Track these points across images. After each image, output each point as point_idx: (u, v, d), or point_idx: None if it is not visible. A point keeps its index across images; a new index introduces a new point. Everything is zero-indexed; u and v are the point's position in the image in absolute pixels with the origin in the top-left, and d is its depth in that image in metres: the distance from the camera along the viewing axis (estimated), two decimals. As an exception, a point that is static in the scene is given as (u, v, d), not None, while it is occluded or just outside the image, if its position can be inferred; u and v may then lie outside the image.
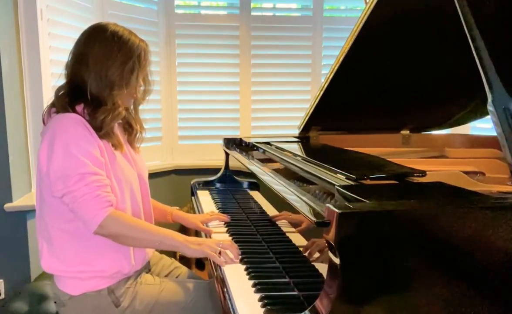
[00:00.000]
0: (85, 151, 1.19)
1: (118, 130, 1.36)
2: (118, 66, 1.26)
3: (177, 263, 1.60)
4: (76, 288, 1.27)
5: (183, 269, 1.57)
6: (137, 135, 1.43)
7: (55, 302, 1.34)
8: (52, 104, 1.29)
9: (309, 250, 1.15)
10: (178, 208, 1.67)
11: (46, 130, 1.24)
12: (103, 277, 1.27)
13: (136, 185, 1.37)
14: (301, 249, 1.19)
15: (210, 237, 1.45)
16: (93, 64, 1.25)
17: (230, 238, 1.39)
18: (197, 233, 1.62)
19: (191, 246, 1.24)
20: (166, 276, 1.51)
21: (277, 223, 1.43)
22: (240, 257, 1.22)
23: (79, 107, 1.26)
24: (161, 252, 1.60)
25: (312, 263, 1.11)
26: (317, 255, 1.09)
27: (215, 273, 1.20)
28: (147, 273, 1.43)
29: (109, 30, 1.28)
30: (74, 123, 1.21)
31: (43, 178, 1.24)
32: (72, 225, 1.24)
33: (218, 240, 1.30)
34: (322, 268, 1.04)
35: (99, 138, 1.25)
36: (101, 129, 1.25)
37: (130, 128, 1.41)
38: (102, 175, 1.21)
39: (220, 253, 1.22)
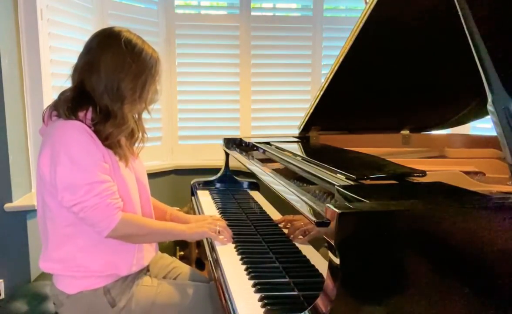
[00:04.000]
0: (91, 160, 1.18)
1: (123, 140, 1.33)
2: (131, 80, 1.24)
3: (177, 262, 1.59)
4: (72, 287, 1.27)
5: (184, 268, 1.57)
6: (138, 140, 1.39)
7: (54, 303, 1.35)
8: (54, 106, 1.26)
9: (290, 233, 1.28)
10: (178, 208, 1.67)
11: (48, 136, 1.21)
12: (99, 277, 1.27)
13: (135, 190, 1.34)
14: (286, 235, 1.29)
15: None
16: (105, 75, 1.22)
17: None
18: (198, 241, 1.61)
19: (194, 231, 1.37)
20: (165, 276, 1.51)
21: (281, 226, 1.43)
22: (234, 240, 1.35)
23: (82, 113, 1.23)
24: (162, 251, 1.61)
25: (291, 240, 1.23)
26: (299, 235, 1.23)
27: (215, 274, 1.20)
28: (145, 274, 1.42)
29: (122, 39, 1.24)
30: (77, 132, 1.18)
31: (45, 184, 1.22)
32: (71, 229, 1.23)
33: (214, 220, 1.43)
34: (322, 268, 1.04)
35: (104, 146, 1.23)
36: (106, 140, 1.23)
37: (131, 133, 1.36)
38: (110, 181, 1.21)
39: (219, 232, 1.35)
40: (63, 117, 1.21)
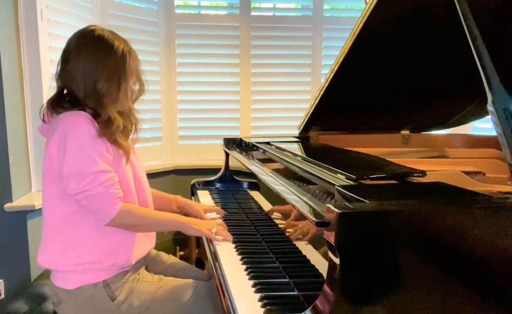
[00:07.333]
0: (97, 150, 1.23)
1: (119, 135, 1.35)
2: (104, 80, 1.27)
3: (174, 259, 1.61)
4: (73, 282, 1.28)
5: (183, 265, 1.58)
6: (131, 133, 1.41)
7: (52, 303, 1.35)
8: (51, 104, 1.31)
9: (292, 232, 1.29)
10: (180, 196, 1.69)
11: (55, 128, 1.25)
12: (99, 270, 1.29)
13: (133, 182, 1.37)
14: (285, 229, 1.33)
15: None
16: (80, 80, 1.28)
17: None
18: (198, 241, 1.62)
19: (192, 226, 1.38)
20: (164, 273, 1.51)
21: (275, 220, 1.44)
22: (232, 239, 1.36)
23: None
24: (159, 248, 1.62)
25: (295, 243, 1.23)
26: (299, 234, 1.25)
27: (215, 273, 1.20)
28: (145, 270, 1.43)
29: (91, 43, 1.29)
30: (84, 122, 1.24)
31: (45, 173, 1.27)
32: (72, 217, 1.27)
33: (213, 221, 1.47)
34: (322, 268, 1.04)
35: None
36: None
37: (124, 129, 1.37)
38: (112, 172, 1.26)
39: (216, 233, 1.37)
40: (67, 110, 1.27)
